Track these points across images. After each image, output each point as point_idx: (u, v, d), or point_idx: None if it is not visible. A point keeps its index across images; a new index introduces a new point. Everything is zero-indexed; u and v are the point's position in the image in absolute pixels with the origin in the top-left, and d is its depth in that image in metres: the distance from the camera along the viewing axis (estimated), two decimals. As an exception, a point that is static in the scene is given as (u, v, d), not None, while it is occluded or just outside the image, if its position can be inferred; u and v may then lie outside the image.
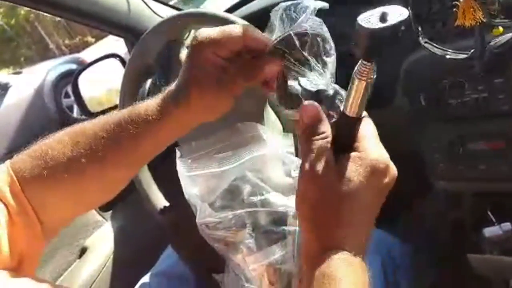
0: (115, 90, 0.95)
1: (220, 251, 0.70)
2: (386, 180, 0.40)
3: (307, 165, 0.39)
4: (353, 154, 0.40)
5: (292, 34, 0.44)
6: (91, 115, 1.18)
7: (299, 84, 0.46)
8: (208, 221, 0.66)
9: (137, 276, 0.97)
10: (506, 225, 0.86)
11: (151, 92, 1.25)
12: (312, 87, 0.45)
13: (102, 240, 1.14)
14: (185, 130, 0.53)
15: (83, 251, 1.10)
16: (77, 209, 0.57)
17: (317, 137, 0.40)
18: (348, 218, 0.39)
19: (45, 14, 1.07)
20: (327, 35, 0.46)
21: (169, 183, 0.80)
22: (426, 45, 0.74)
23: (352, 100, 0.40)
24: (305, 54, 0.45)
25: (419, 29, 0.75)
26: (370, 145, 0.40)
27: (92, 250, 1.11)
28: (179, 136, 0.54)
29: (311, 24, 0.45)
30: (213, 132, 0.65)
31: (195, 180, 0.65)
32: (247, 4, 1.09)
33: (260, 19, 1.02)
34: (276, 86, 0.49)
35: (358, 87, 0.39)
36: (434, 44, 0.74)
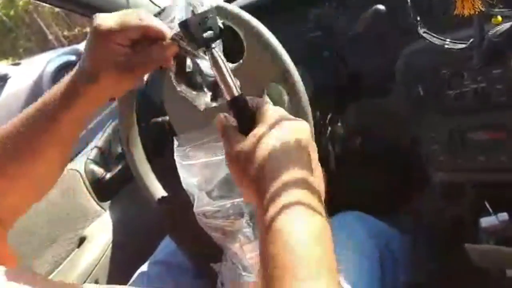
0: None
1: (218, 240, 0.70)
2: (288, 128, 0.44)
3: (225, 152, 0.47)
4: (254, 126, 0.45)
5: (188, 23, 0.48)
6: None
7: (195, 66, 0.55)
8: (205, 210, 0.67)
9: (136, 265, 0.97)
10: (503, 215, 0.86)
11: (148, 81, 1.25)
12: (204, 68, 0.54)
13: (101, 230, 1.14)
14: (97, 105, 0.57)
15: (81, 240, 1.11)
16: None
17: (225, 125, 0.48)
18: (268, 172, 0.41)
19: (44, 4, 1.07)
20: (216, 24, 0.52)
21: (168, 173, 0.80)
22: (425, 35, 0.73)
23: (223, 85, 0.47)
24: (196, 43, 0.49)
25: (418, 19, 0.75)
26: (263, 109, 0.46)
27: (91, 240, 1.11)
28: (92, 111, 0.58)
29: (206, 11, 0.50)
30: (211, 121, 0.65)
31: (193, 169, 0.65)
32: None
33: (260, 8, 1.02)
34: (174, 65, 0.55)
35: (219, 72, 0.47)
36: (433, 34, 0.73)
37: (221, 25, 0.49)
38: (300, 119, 0.47)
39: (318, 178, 0.45)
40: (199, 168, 0.65)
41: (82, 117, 0.56)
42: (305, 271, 0.35)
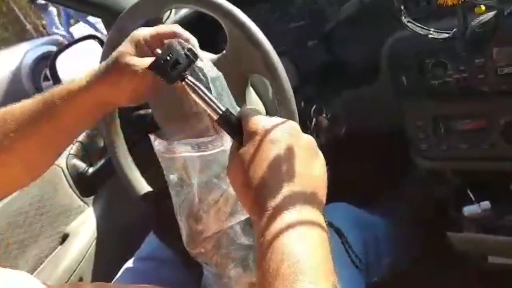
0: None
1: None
2: (269, 136, 0.43)
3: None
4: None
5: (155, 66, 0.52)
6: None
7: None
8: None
9: (121, 261, 0.96)
10: (485, 204, 0.88)
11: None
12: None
13: (84, 226, 1.12)
14: (105, 108, 0.62)
15: (64, 237, 1.09)
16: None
17: None
18: (267, 188, 0.41)
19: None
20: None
21: (151, 167, 0.78)
22: (409, 24, 0.73)
23: (207, 108, 0.49)
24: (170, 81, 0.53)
25: (402, 8, 0.74)
26: (249, 120, 0.46)
27: (74, 236, 1.09)
28: (99, 111, 0.62)
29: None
30: (193, 115, 0.64)
31: (175, 162, 0.64)
32: None
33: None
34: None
35: (199, 99, 0.50)
36: (417, 24, 0.73)
37: (186, 52, 0.53)
38: (285, 120, 0.46)
39: (318, 180, 0.44)
40: (180, 162, 0.64)
41: (85, 114, 0.60)
42: (306, 281, 0.35)
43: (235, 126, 0.47)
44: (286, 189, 0.40)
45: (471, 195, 0.91)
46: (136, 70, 0.57)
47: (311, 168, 0.43)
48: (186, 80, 0.51)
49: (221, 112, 0.48)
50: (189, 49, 0.53)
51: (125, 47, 0.59)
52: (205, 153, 0.60)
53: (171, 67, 0.51)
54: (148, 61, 0.55)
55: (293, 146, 0.43)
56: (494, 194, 0.91)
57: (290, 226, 0.38)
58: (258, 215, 0.41)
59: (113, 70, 0.58)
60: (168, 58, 0.51)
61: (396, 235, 1.05)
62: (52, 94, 0.58)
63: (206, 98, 0.49)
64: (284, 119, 0.46)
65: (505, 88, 0.81)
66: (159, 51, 0.55)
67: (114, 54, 0.59)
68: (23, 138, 0.58)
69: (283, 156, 0.42)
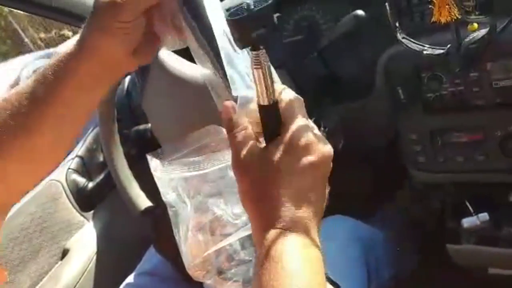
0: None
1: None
2: (311, 158, 0.41)
3: (234, 158, 0.43)
4: (278, 137, 0.42)
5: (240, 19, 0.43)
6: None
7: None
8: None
9: (121, 276, 0.96)
10: (484, 216, 0.88)
11: (130, 89, 1.23)
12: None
13: (84, 241, 1.12)
14: (107, 66, 0.48)
15: (65, 252, 1.09)
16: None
17: (237, 129, 0.43)
18: (282, 202, 0.40)
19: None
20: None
21: (151, 182, 0.79)
22: (404, 40, 0.74)
23: (259, 90, 0.43)
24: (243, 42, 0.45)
25: (397, 24, 0.76)
26: (292, 125, 0.42)
27: (74, 252, 1.09)
28: (100, 73, 0.48)
29: None
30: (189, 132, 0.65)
31: (171, 183, 0.64)
32: None
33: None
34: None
35: (258, 76, 0.42)
36: (412, 40, 0.74)
37: (276, 20, 0.45)
38: (326, 142, 0.43)
39: (322, 207, 0.44)
40: (175, 182, 0.64)
41: (88, 80, 0.47)
42: None
43: (276, 123, 0.43)
44: (306, 215, 0.40)
45: (470, 207, 0.92)
46: (118, 2, 0.44)
47: (326, 199, 0.44)
48: (261, 51, 0.42)
49: (272, 101, 0.43)
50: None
51: None
52: (199, 173, 0.60)
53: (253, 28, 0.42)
54: None
55: (325, 177, 0.43)
56: (492, 206, 0.92)
57: (295, 245, 0.39)
58: (264, 227, 0.40)
59: (95, 14, 0.46)
60: (251, 11, 0.42)
61: (394, 247, 1.05)
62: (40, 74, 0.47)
63: (268, 80, 0.42)
64: (327, 143, 0.43)
65: (501, 101, 0.82)
66: None
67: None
68: (20, 137, 0.48)
69: (315, 185, 0.42)
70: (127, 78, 1.20)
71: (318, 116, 1.06)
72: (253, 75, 0.43)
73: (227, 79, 0.46)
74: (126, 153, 0.91)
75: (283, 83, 0.70)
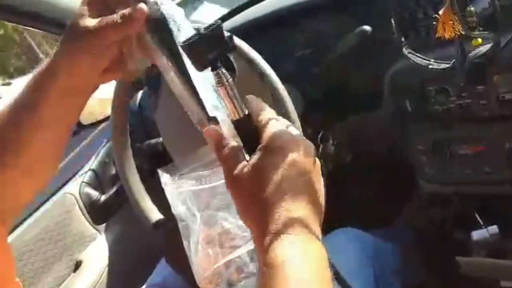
0: (107, 100, 0.94)
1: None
2: (293, 155, 0.42)
3: (225, 177, 0.44)
4: (259, 146, 0.43)
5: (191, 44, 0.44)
6: (83, 126, 1.18)
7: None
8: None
9: (133, 288, 0.97)
10: (493, 228, 0.88)
11: (142, 104, 1.26)
12: None
13: (96, 253, 1.14)
14: (79, 84, 0.51)
15: (78, 264, 1.10)
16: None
17: (224, 150, 0.44)
18: (273, 205, 0.40)
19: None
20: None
21: (163, 196, 0.80)
22: (410, 55, 0.76)
23: (227, 106, 0.45)
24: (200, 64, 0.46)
25: (403, 39, 0.77)
26: (268, 130, 0.44)
27: (87, 264, 1.10)
28: (72, 88, 0.51)
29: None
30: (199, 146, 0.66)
31: (181, 196, 0.66)
32: (241, 13, 1.10)
33: (251, 27, 1.03)
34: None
35: (224, 94, 0.44)
36: (417, 54, 0.76)
37: (228, 39, 0.45)
38: (303, 138, 0.45)
39: (318, 202, 0.44)
40: (184, 196, 0.65)
41: (69, 91, 0.51)
42: None
43: (252, 133, 0.45)
44: (301, 213, 0.41)
45: (479, 219, 0.92)
46: (92, 31, 0.47)
47: (321, 195, 0.44)
48: (220, 70, 0.44)
49: (242, 115, 0.45)
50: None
51: (80, 9, 0.49)
52: (208, 186, 0.62)
53: (207, 51, 0.43)
54: (105, 20, 0.47)
55: (313, 170, 0.44)
56: (501, 218, 0.91)
57: (297, 250, 0.39)
58: (261, 235, 0.41)
59: (70, 36, 0.50)
60: (202, 35, 0.42)
61: (403, 259, 1.05)
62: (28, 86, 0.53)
63: (233, 95, 0.44)
64: (304, 139, 0.45)
65: (508, 114, 0.83)
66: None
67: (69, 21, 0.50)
68: (14, 151, 0.52)
69: (305, 181, 0.42)
70: (140, 93, 1.22)
71: (326, 130, 1.08)
72: (219, 93, 0.45)
73: (202, 102, 0.48)
74: (139, 166, 0.92)
75: (291, 97, 0.72)
